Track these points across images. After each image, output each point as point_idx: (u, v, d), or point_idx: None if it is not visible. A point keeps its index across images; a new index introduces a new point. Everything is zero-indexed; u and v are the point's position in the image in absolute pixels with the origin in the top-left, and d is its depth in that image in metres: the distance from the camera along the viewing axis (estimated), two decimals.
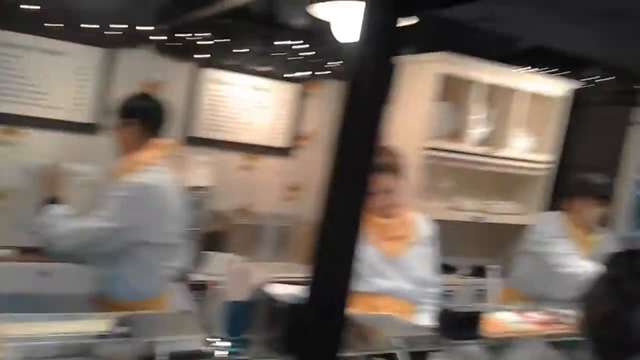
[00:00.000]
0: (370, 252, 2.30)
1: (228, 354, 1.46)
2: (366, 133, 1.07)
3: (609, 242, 2.88)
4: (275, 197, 3.95)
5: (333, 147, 1.08)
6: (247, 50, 3.49)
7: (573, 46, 2.16)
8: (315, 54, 3.66)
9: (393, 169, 2.32)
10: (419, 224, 2.44)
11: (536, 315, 2.21)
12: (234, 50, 3.48)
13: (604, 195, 2.84)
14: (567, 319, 2.13)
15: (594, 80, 3.79)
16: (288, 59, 3.66)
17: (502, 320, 2.10)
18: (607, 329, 1.28)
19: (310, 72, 3.74)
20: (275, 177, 3.94)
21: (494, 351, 1.93)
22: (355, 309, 2.13)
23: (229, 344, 1.47)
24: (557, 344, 1.98)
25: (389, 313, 2.15)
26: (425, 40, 3.58)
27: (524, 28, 3.46)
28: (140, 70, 3.28)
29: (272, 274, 3.02)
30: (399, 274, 2.32)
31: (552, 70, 3.90)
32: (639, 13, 1.11)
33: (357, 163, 1.08)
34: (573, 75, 3.89)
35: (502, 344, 1.90)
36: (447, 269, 3.90)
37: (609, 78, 3.69)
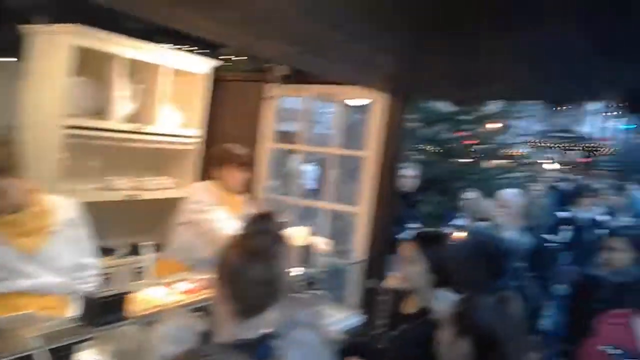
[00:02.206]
0: (2, 252, 2.06)
1: None
2: None
3: (252, 203, 3.21)
4: None
5: None
6: None
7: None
8: None
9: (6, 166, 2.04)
10: (59, 209, 2.25)
11: (184, 285, 2.30)
12: None
13: (245, 162, 3.12)
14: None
15: (230, 58, 4.09)
16: None
17: (150, 296, 2.12)
18: (233, 283, 1.35)
19: None
20: None
21: (144, 329, 1.94)
22: None
23: None
24: (202, 308, 2.10)
25: (30, 311, 1.97)
26: (58, 11, 3.28)
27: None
28: None
29: None
30: (41, 269, 2.13)
31: (193, 48, 4.05)
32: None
33: None
34: (212, 53, 4.11)
35: (149, 320, 1.92)
36: (104, 251, 3.74)
37: (243, 57, 4.04)
